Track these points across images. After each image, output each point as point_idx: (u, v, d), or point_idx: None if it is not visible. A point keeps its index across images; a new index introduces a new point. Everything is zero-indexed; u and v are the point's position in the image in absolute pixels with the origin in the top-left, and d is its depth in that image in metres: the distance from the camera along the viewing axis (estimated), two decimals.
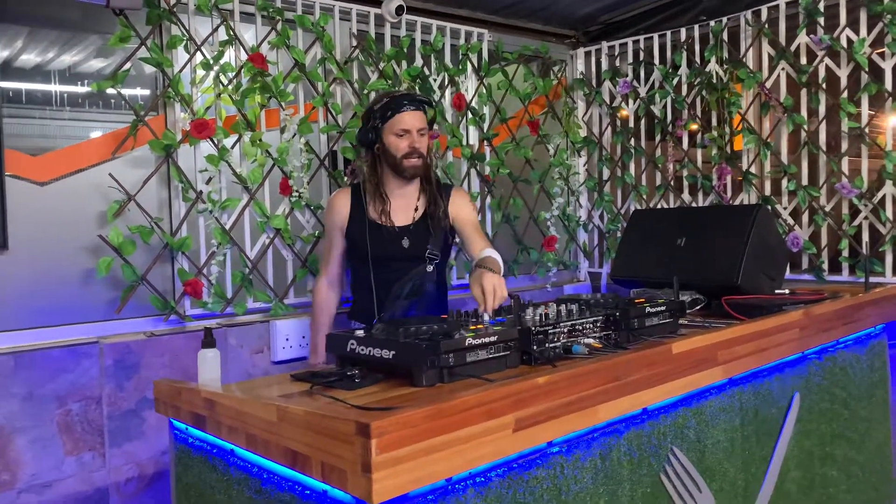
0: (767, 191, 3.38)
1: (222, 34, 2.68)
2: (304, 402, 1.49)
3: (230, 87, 2.68)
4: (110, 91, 2.46)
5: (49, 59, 2.50)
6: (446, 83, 3.37)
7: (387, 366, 1.65)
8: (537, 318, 1.89)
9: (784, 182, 3.28)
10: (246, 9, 2.78)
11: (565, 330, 1.90)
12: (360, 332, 1.79)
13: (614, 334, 1.99)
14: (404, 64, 3.18)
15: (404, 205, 2.43)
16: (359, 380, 1.70)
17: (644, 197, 3.77)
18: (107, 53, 2.58)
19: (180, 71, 2.60)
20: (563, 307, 1.97)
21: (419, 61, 3.25)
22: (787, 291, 2.65)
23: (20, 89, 2.44)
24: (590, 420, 1.44)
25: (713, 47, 3.43)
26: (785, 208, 3.30)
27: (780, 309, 2.25)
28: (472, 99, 3.46)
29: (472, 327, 1.82)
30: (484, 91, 3.49)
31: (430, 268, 2.42)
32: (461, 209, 2.49)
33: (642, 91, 3.73)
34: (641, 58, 3.73)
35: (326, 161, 2.98)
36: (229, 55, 2.70)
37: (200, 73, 2.63)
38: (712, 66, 3.44)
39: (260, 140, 2.73)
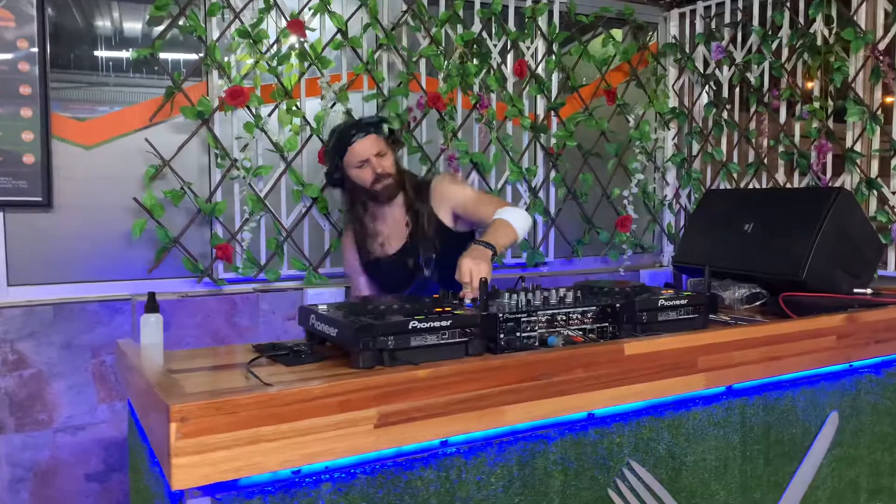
0: (874, 172, 2.88)
1: (261, 1, 2.69)
2: (205, 375, 1.46)
3: (267, 55, 2.68)
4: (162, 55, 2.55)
5: (97, 25, 2.63)
6: (508, 48, 3.18)
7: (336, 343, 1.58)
8: (514, 304, 1.74)
9: (894, 162, 2.78)
10: None
11: (543, 319, 1.72)
12: (322, 307, 1.74)
13: (611, 327, 1.79)
14: (460, 28, 3.03)
15: (395, 227, 2.34)
16: (304, 356, 1.65)
17: (735, 176, 3.37)
18: (155, 20, 2.67)
19: (217, 39, 2.64)
20: (557, 294, 1.79)
21: (478, 26, 3.09)
22: (868, 292, 2.26)
23: (68, 55, 2.59)
24: (491, 421, 1.28)
25: (819, 3, 2.96)
26: (894, 193, 2.80)
27: (844, 311, 1.91)
28: (537, 65, 3.24)
29: (438, 310, 1.70)
30: (552, 58, 3.25)
31: (427, 272, 2.33)
32: (446, 197, 2.30)
33: (738, 56, 3.31)
34: (739, 18, 3.30)
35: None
36: (269, 22, 2.70)
37: (239, 40, 2.65)
38: (817, 27, 2.98)
39: (295, 108, 2.72)
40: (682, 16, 3.59)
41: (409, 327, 1.58)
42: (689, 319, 1.92)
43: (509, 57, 3.19)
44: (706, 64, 3.49)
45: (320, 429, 1.12)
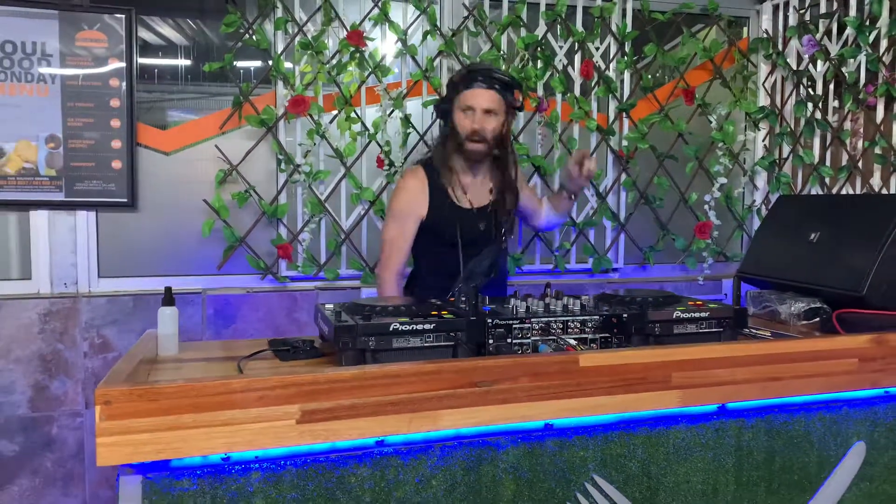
0: None
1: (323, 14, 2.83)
2: (200, 366, 1.59)
3: (327, 66, 2.82)
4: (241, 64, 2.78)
5: (178, 40, 2.89)
6: (576, 49, 3.13)
7: None
8: (514, 310, 1.75)
9: None
10: None
11: (537, 326, 1.72)
12: (328, 307, 1.83)
13: (616, 339, 1.76)
14: (523, 32, 3.02)
15: (478, 184, 2.34)
16: (301, 353, 1.75)
17: (826, 181, 3.10)
18: (229, 35, 2.89)
19: (282, 52, 2.81)
20: (573, 302, 1.81)
21: (543, 28, 3.07)
22: None
23: (153, 68, 2.86)
24: (424, 425, 1.30)
25: None
26: None
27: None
28: (607, 66, 3.16)
29: (434, 313, 1.75)
30: (623, 58, 3.16)
31: (505, 243, 2.37)
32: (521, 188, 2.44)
33: (833, 50, 3.04)
34: (835, 7, 3.03)
35: (428, 135, 2.98)
36: (331, 34, 2.84)
37: (302, 52, 2.81)
38: None
39: (352, 115, 2.85)
40: (775, 8, 3.35)
41: (391, 329, 1.64)
42: (711, 333, 1.84)
43: (577, 58, 3.14)
44: (799, 60, 3.23)
45: (241, 421, 1.19)
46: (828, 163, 3.10)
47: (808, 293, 2.19)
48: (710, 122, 3.29)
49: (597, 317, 1.75)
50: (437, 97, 2.96)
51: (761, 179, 3.41)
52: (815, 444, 1.63)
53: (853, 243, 2.12)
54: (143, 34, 2.84)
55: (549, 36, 3.08)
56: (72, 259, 2.75)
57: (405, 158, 2.93)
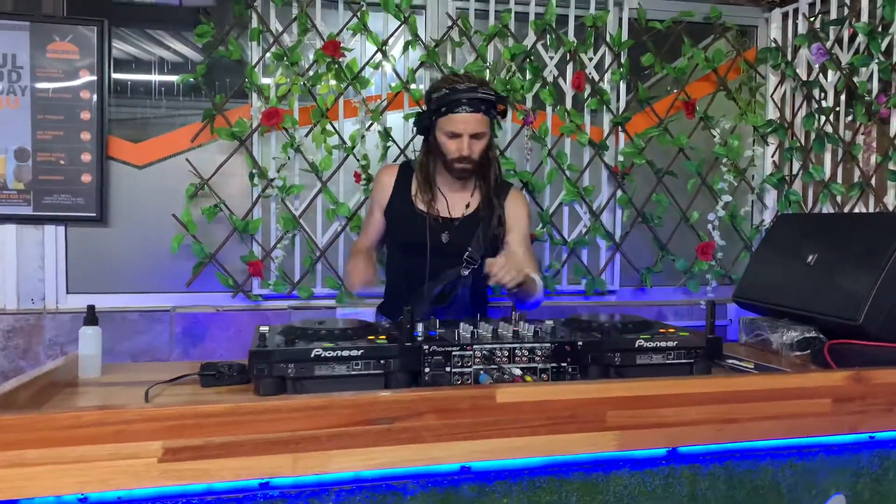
0: None
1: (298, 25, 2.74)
2: (105, 391, 1.48)
3: (303, 77, 2.73)
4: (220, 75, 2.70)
5: (151, 53, 2.82)
6: (567, 59, 2.98)
7: None
8: (457, 335, 1.62)
9: None
10: None
11: (479, 354, 1.58)
12: (264, 328, 1.72)
13: (570, 368, 1.61)
14: (511, 42, 2.89)
15: (455, 197, 2.20)
16: (224, 378, 1.63)
17: (838, 199, 2.88)
18: (202, 48, 2.83)
19: (256, 64, 2.72)
20: (528, 328, 1.65)
21: (532, 39, 2.92)
22: None
23: (126, 81, 2.80)
24: (311, 466, 1.15)
25: None
26: None
27: None
28: (601, 77, 3.00)
29: (371, 337, 1.63)
30: (618, 69, 2.99)
31: (465, 272, 2.17)
32: (514, 212, 2.22)
33: (844, 58, 2.83)
34: (846, 14, 2.83)
35: (410, 148, 2.86)
36: (308, 45, 2.75)
37: (277, 63, 2.72)
38: None
39: (327, 127, 2.74)
40: (784, 16, 3.15)
41: (312, 355, 1.51)
42: (681, 365, 1.67)
43: (568, 69, 2.98)
44: (809, 70, 3.02)
45: (95, 458, 1.07)
46: (839, 179, 2.88)
47: (804, 321, 2.00)
48: (714, 137, 3.09)
49: (547, 344, 1.60)
50: (419, 110, 2.84)
51: (770, 198, 3.20)
52: (786, 496, 1.44)
53: (851, 267, 1.93)
54: (117, 47, 2.78)
55: (539, 46, 2.94)
56: (39, 274, 2.68)
57: None
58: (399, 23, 2.80)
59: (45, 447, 1.05)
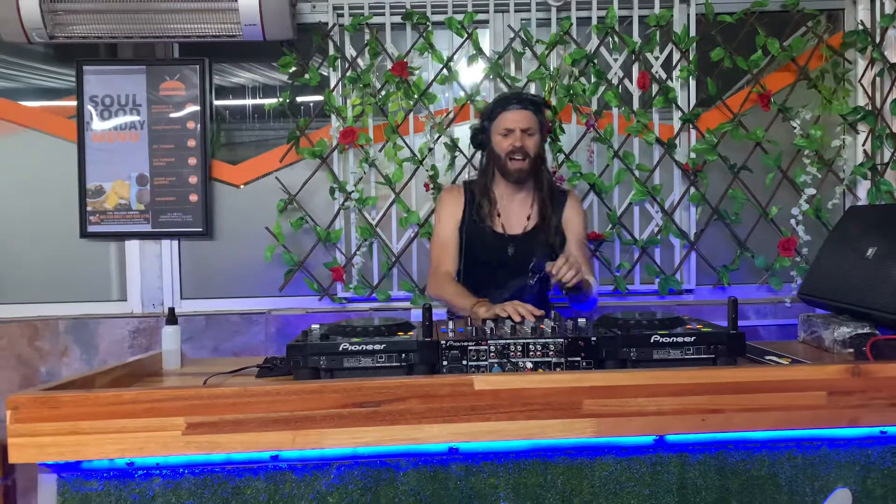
0: None
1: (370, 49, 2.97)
2: (177, 379, 1.75)
3: (374, 97, 2.95)
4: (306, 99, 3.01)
5: (246, 81, 3.17)
6: (633, 60, 3.00)
7: None
8: (474, 332, 1.77)
9: None
10: (395, 20, 3.01)
11: (492, 349, 1.71)
12: (315, 327, 1.94)
13: (586, 363, 1.70)
14: (573, 48, 2.96)
15: (517, 211, 2.36)
16: (277, 370, 1.86)
17: None
18: (288, 76, 3.13)
19: (334, 87, 2.99)
20: (537, 324, 1.79)
21: (595, 43, 2.98)
22: None
23: (225, 107, 3.16)
24: (307, 443, 1.34)
25: None
26: None
27: None
28: (669, 75, 2.99)
29: (401, 334, 1.80)
30: (688, 64, 2.97)
31: (532, 280, 2.31)
32: (571, 219, 2.37)
33: None
34: None
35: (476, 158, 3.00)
36: (380, 67, 2.98)
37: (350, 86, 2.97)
38: None
39: (397, 142, 2.95)
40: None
41: (340, 349, 1.70)
42: (702, 360, 1.71)
43: (634, 69, 3.01)
44: None
45: (132, 429, 1.31)
46: None
47: (862, 317, 1.95)
48: (794, 129, 2.99)
49: (560, 340, 1.69)
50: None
51: (863, 189, 3.03)
52: (784, 489, 1.45)
53: None
54: (217, 81, 3.15)
55: (602, 49, 2.98)
56: (158, 283, 3.09)
57: (453, 182, 2.98)
58: (462, 39, 2.96)
59: (94, 419, 1.31)
